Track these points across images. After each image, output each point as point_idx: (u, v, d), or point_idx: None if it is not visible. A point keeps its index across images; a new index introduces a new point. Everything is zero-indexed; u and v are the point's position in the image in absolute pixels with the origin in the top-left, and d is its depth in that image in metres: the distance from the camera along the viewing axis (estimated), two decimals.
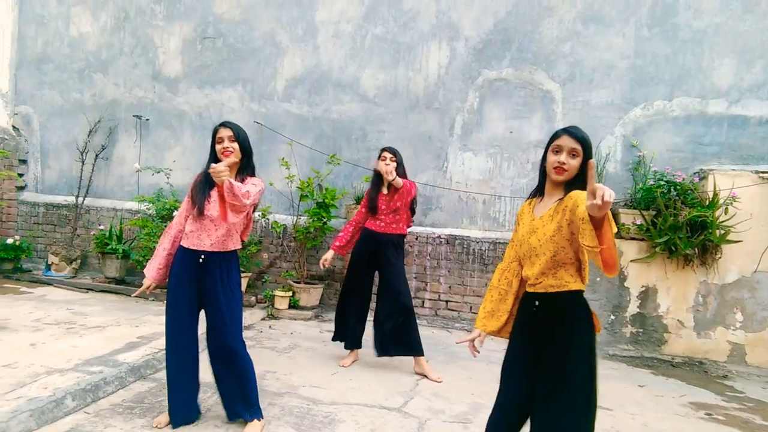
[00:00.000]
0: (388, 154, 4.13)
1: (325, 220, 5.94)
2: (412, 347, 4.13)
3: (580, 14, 5.82)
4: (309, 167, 6.31)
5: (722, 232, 4.96)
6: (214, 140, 2.85)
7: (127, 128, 7.20)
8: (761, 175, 5.12)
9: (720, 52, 5.52)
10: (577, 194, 1.92)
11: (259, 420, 2.92)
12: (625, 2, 5.72)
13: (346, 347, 4.37)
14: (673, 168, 5.36)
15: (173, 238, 2.94)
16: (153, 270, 2.93)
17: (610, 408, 3.72)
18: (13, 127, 7.54)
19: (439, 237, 6.01)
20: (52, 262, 6.65)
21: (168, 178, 6.53)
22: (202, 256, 2.82)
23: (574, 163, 2.00)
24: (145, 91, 7.15)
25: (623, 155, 5.73)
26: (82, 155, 7.08)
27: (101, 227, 6.66)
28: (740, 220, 4.93)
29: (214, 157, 2.85)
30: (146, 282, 2.94)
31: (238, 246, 2.98)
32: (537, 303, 2.07)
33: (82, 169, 7.09)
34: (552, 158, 2.04)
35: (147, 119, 7.11)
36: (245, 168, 2.90)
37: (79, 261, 6.82)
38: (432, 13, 6.22)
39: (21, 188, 7.51)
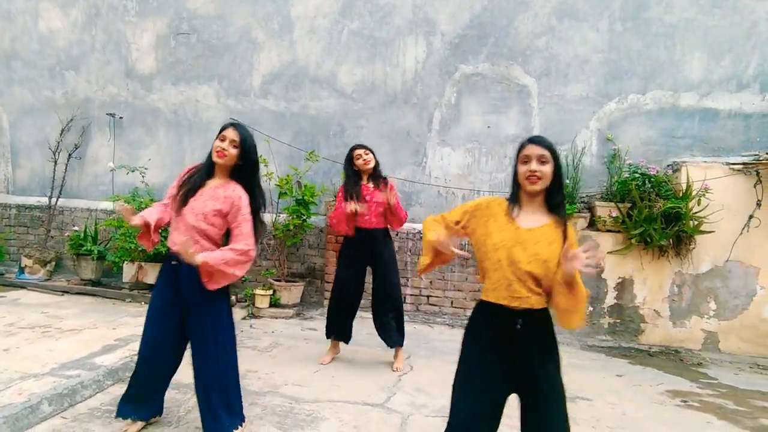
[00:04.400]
0: (361, 150, 4.16)
1: (304, 217, 5.90)
2: (401, 337, 4.24)
3: (554, 9, 5.87)
4: (287, 164, 6.26)
5: (695, 222, 5.07)
6: (217, 135, 2.70)
7: (100, 127, 7.06)
8: (732, 166, 5.24)
9: (691, 46, 5.63)
10: (574, 237, 2.01)
11: (241, 425, 2.80)
12: None
13: (343, 341, 4.35)
14: (647, 161, 5.46)
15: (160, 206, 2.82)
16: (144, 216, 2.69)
17: (589, 398, 3.78)
18: None
19: (419, 232, 6.03)
20: (26, 265, 6.50)
21: (143, 176, 6.41)
22: (174, 260, 2.66)
23: (546, 169, 2.01)
24: (118, 89, 7.02)
25: (599, 149, 5.81)
26: (54, 155, 6.92)
27: (76, 228, 6.53)
28: (712, 210, 5.05)
29: (210, 151, 2.71)
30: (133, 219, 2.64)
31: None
32: (520, 320, 2.00)
33: (54, 169, 6.94)
34: (523, 169, 2.05)
35: (121, 117, 6.98)
36: (240, 176, 2.73)
37: (53, 263, 6.68)
38: (408, 8, 6.21)
39: None
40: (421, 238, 6.00)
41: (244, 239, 2.62)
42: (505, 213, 2.10)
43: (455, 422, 2.07)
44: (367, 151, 4.18)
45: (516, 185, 2.12)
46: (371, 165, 4.17)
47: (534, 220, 2.06)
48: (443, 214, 2.30)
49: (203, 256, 2.48)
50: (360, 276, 4.29)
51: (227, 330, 2.75)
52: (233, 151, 2.65)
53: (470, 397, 2.05)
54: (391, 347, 4.25)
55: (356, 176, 4.22)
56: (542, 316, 2.05)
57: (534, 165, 2.01)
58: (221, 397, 2.68)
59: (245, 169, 2.73)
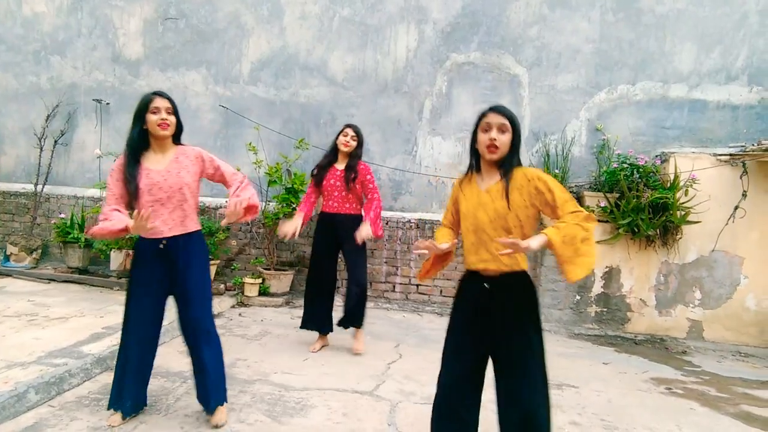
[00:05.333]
0: (350, 131, 4.15)
1: (294, 205, 5.87)
2: (357, 319, 4.23)
3: None
4: (277, 152, 6.22)
5: (682, 213, 5.12)
6: (146, 109, 2.64)
7: (86, 113, 6.96)
8: (719, 157, 5.29)
9: (681, 37, 5.65)
10: (545, 177, 2.06)
11: (224, 405, 2.86)
12: None
13: (320, 332, 4.34)
14: (636, 151, 5.49)
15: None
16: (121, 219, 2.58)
17: (576, 385, 3.83)
18: None
19: (409, 221, 6.03)
20: (11, 253, 6.42)
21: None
22: (163, 242, 2.70)
23: (505, 138, 2.06)
24: (105, 75, 6.91)
25: (588, 139, 5.83)
26: (40, 141, 6.82)
27: (62, 216, 6.46)
28: (699, 201, 5.10)
29: (139, 129, 2.68)
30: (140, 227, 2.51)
31: (198, 226, 2.85)
32: (487, 285, 2.10)
33: (40, 156, 6.84)
34: (483, 137, 2.09)
35: (107, 103, 6.88)
36: (177, 139, 2.83)
37: (39, 251, 6.61)
38: None
39: None
40: (410, 227, 6.01)
41: (237, 174, 2.86)
42: (468, 182, 2.21)
43: (440, 382, 2.21)
44: (355, 136, 4.14)
45: (475, 153, 2.18)
46: (347, 149, 4.12)
47: (490, 180, 2.14)
48: (443, 219, 2.43)
49: (241, 201, 2.61)
50: (327, 260, 4.25)
51: (208, 279, 2.92)
52: (173, 119, 2.71)
53: (451, 359, 2.19)
54: (346, 328, 4.25)
55: (333, 154, 4.22)
56: (516, 279, 2.10)
57: (494, 133, 2.05)
58: (214, 359, 2.83)
59: (179, 131, 2.81)
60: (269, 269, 6.02)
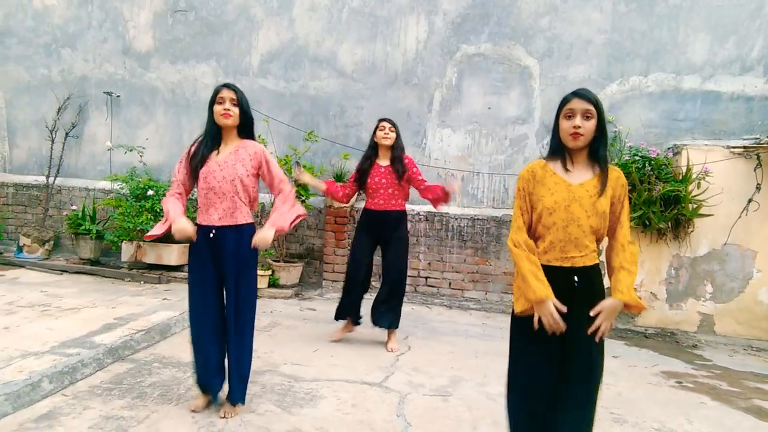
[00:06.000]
0: (387, 124, 4.12)
1: (303, 198, 5.89)
2: (395, 320, 4.22)
3: None
4: (286, 144, 6.23)
5: (694, 206, 5.06)
6: (214, 99, 2.77)
7: (97, 105, 7.00)
8: (732, 150, 5.22)
9: (695, 27, 5.56)
10: (627, 186, 2.05)
11: (237, 405, 2.89)
12: None
13: (354, 323, 4.36)
14: (648, 143, 5.43)
15: (176, 199, 2.85)
16: (179, 215, 2.73)
17: None
18: None
19: (419, 214, 6.02)
20: (24, 244, 6.50)
21: (141, 156, 6.38)
22: (213, 231, 2.78)
23: (590, 125, 1.97)
24: (115, 67, 6.94)
25: None
26: (51, 133, 6.87)
27: (74, 207, 6.52)
28: (712, 194, 5.04)
29: (211, 118, 2.79)
30: (186, 229, 2.68)
31: (250, 219, 2.91)
32: (576, 278, 2.00)
33: (52, 148, 6.89)
34: (566, 124, 1.99)
35: (118, 96, 6.91)
36: (245, 132, 2.90)
37: (51, 242, 6.68)
38: None
39: None
40: (419, 219, 6.00)
41: (285, 184, 2.95)
42: (551, 174, 2.05)
43: (520, 384, 2.10)
44: (393, 128, 4.12)
45: (557, 140, 2.06)
46: (388, 142, 4.09)
47: (582, 174, 2.03)
48: (518, 238, 2.05)
49: (269, 228, 2.81)
50: (366, 257, 4.25)
51: (252, 277, 2.95)
52: (236, 110, 2.78)
53: (533, 361, 2.06)
54: (384, 327, 4.23)
55: (373, 151, 4.18)
56: (594, 272, 2.05)
57: (578, 120, 1.96)
58: (240, 364, 2.86)
59: (246, 124, 2.88)
60: (278, 261, 6.04)
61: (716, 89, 5.54)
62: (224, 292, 2.85)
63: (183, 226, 2.68)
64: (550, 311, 1.92)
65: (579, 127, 1.94)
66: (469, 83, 6.06)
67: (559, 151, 2.07)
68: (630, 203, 5.08)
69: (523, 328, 2.06)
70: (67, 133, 6.92)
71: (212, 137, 2.82)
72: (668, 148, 5.47)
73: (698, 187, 5.08)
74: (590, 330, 1.93)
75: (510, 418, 2.14)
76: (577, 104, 1.96)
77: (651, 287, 5.36)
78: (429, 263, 6.03)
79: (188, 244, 2.88)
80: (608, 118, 5.63)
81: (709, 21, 5.53)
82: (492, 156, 6.03)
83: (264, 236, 2.78)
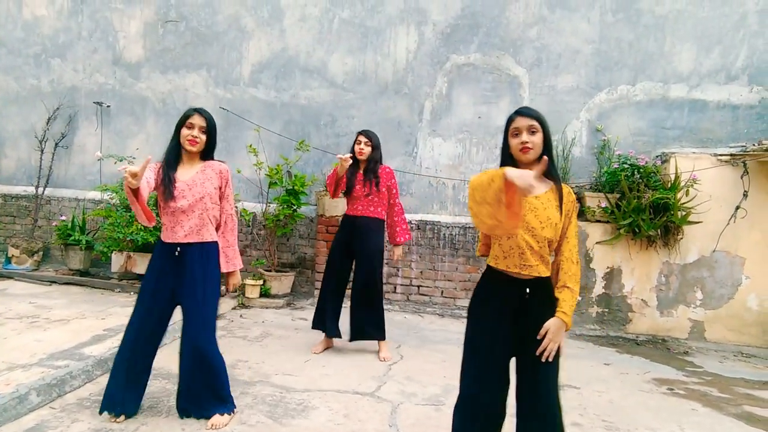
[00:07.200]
0: (363, 138, 4.15)
1: (294, 207, 5.89)
2: (377, 331, 4.21)
3: None
4: (277, 154, 6.23)
5: (683, 213, 5.11)
6: (183, 123, 2.79)
7: (87, 115, 6.97)
8: (719, 157, 5.28)
9: (681, 37, 5.65)
10: (575, 202, 2.13)
11: (231, 413, 2.89)
12: None
13: (327, 335, 4.31)
14: (636, 151, 5.49)
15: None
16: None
17: (577, 386, 3.82)
18: None
19: (410, 222, 6.03)
20: (12, 255, 6.43)
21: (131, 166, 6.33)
22: (178, 249, 2.77)
23: (536, 139, 2.06)
24: (105, 77, 6.92)
25: (588, 139, 5.83)
26: (40, 144, 6.83)
27: (63, 218, 6.46)
28: (700, 201, 5.10)
29: (176, 139, 2.82)
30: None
31: (215, 237, 2.90)
32: (528, 290, 2.09)
33: (41, 158, 6.85)
34: (514, 141, 2.09)
35: (108, 106, 6.89)
36: (207, 156, 2.94)
37: (40, 253, 6.61)
38: None
39: None
40: (411, 228, 6.00)
41: (233, 214, 3.04)
42: None
43: (466, 383, 2.17)
44: (368, 142, 4.14)
45: (508, 158, 2.15)
46: (362, 157, 4.13)
47: (537, 187, 2.07)
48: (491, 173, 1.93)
49: (233, 267, 3.05)
50: (342, 263, 4.25)
51: (214, 296, 2.92)
52: (203, 137, 2.82)
53: (478, 359, 2.14)
54: (350, 341, 4.24)
55: (354, 162, 4.17)
56: (547, 284, 2.12)
57: (525, 136, 2.05)
58: (205, 378, 2.79)
59: (209, 149, 2.92)
60: (270, 271, 6.02)
61: (703, 98, 5.62)
62: (183, 313, 2.81)
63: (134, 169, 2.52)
64: (519, 173, 1.74)
65: (526, 142, 2.05)
66: (459, 93, 6.11)
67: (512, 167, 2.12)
68: (620, 211, 5.16)
69: (478, 327, 2.18)
70: (56, 144, 6.88)
71: (174, 157, 2.84)
72: (656, 156, 5.53)
73: (687, 195, 5.13)
74: (537, 351, 2.01)
75: (460, 395, 2.20)
76: (522, 122, 2.08)
77: (642, 294, 5.40)
78: (421, 272, 6.03)
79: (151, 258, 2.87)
80: (597, 126, 5.72)
81: (694, 31, 5.62)
82: (482, 164, 6.06)
83: (238, 281, 3.14)
